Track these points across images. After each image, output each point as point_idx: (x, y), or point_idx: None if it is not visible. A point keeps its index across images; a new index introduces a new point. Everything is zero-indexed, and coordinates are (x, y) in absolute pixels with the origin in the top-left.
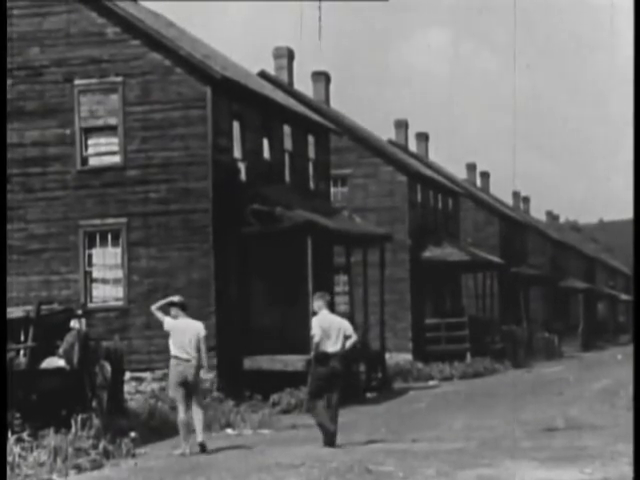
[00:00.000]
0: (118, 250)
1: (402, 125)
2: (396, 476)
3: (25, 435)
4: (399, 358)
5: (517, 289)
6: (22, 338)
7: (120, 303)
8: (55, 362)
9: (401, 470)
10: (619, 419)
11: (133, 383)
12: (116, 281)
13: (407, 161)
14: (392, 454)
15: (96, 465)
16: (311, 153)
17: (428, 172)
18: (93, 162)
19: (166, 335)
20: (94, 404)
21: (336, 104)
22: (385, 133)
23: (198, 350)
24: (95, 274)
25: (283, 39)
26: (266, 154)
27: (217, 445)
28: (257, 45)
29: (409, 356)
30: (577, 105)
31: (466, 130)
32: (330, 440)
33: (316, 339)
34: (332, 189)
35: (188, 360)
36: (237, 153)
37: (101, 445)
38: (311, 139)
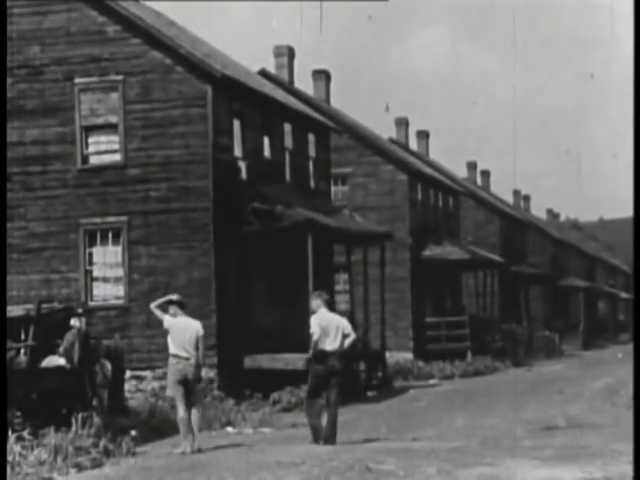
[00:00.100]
0: (118, 249)
1: (402, 123)
2: (396, 475)
3: (25, 434)
4: (399, 357)
5: (517, 288)
6: (22, 337)
7: (120, 302)
8: (55, 361)
9: (402, 469)
10: (619, 418)
11: (133, 382)
12: (116, 280)
13: (407, 159)
14: (393, 453)
15: (96, 464)
16: (311, 151)
17: (429, 170)
18: (93, 160)
19: (166, 334)
20: (94, 403)
21: (336, 102)
22: (386, 131)
23: (197, 349)
24: (95, 273)
25: (284, 38)
26: (266, 153)
27: (217, 443)
28: (257, 44)
29: (409, 355)
30: (577, 104)
31: (466, 129)
32: (317, 439)
33: (315, 337)
34: (332, 188)
35: (188, 358)
36: (237, 152)
37: (101, 444)
38: (311, 137)
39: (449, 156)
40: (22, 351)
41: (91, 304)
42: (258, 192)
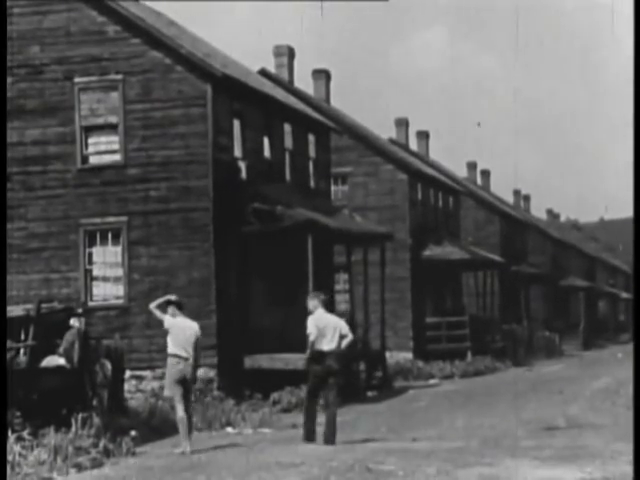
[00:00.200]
0: (118, 249)
1: (403, 123)
2: (396, 475)
3: (25, 434)
4: (399, 357)
5: (518, 288)
6: (22, 337)
7: (120, 302)
8: (55, 361)
9: (401, 469)
10: (619, 418)
11: (133, 382)
12: (116, 280)
13: (408, 159)
14: (392, 453)
15: (96, 464)
16: (311, 152)
17: (429, 170)
18: (93, 160)
19: (166, 334)
20: (94, 403)
21: (336, 102)
22: (385, 131)
23: (195, 349)
24: (95, 273)
25: (284, 38)
26: (266, 152)
27: (217, 444)
28: (257, 44)
29: (410, 355)
30: (577, 104)
31: (467, 128)
32: (308, 438)
33: (312, 338)
34: (332, 188)
35: (187, 359)
36: (237, 151)
37: (101, 444)
38: (311, 137)
39: (449, 156)
40: (22, 351)
41: (91, 304)
42: (258, 192)
